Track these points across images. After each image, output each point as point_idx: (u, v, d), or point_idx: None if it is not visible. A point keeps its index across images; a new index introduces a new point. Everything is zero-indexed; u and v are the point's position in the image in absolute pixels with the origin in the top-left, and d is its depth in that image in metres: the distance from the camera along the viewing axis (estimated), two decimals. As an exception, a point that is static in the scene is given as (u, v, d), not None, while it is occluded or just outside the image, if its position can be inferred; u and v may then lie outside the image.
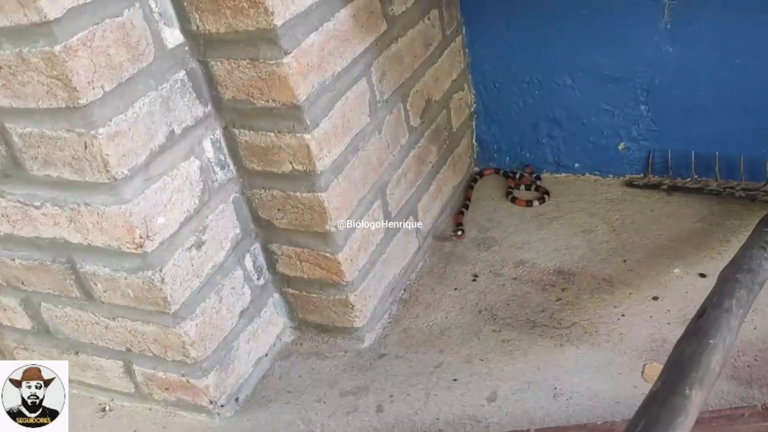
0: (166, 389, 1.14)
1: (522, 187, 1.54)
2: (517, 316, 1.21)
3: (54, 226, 0.97)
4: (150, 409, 1.18)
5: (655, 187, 1.45)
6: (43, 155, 0.90)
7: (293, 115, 0.99)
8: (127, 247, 0.95)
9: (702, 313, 0.83)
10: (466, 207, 1.50)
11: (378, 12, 1.14)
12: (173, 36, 0.95)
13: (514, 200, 1.51)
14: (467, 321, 1.23)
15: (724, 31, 1.28)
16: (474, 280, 1.32)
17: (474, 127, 1.59)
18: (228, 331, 1.12)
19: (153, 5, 0.91)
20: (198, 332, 1.05)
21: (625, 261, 1.29)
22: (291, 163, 1.04)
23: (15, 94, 0.85)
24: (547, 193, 1.50)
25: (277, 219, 1.12)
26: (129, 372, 1.15)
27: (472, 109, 1.56)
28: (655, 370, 1.04)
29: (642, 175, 1.48)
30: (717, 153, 1.39)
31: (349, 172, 1.11)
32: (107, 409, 1.21)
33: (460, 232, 1.41)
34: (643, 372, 1.06)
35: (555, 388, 1.06)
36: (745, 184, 1.37)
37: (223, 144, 1.06)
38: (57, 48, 0.79)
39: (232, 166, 1.08)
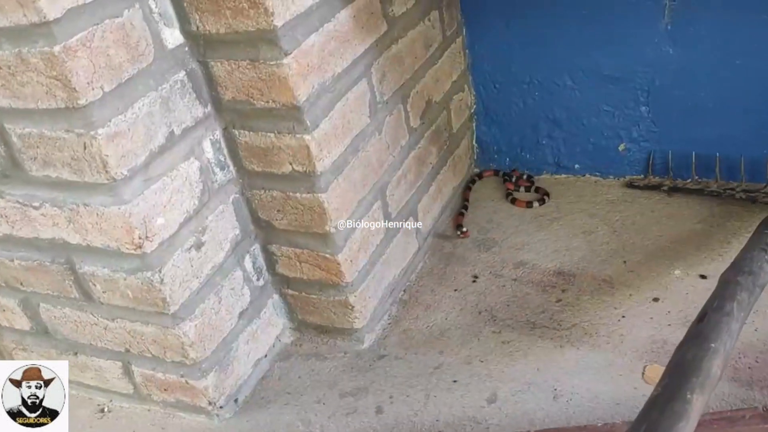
0: (165, 390, 1.13)
1: (522, 188, 1.54)
2: (517, 317, 1.21)
3: (53, 226, 0.97)
4: (149, 410, 1.18)
5: (655, 188, 1.45)
6: (42, 156, 0.90)
7: (293, 116, 0.99)
8: (127, 248, 0.94)
9: (703, 316, 0.83)
10: (465, 208, 1.50)
11: (378, 13, 1.14)
12: (173, 36, 0.95)
13: (514, 201, 1.50)
14: (467, 322, 1.22)
15: (725, 31, 1.27)
16: (474, 281, 1.31)
17: (474, 128, 1.59)
18: (227, 332, 1.12)
19: (153, 6, 0.91)
20: (197, 333, 1.05)
21: (625, 262, 1.29)
22: (291, 163, 1.04)
23: (14, 95, 0.85)
24: (547, 194, 1.50)
25: (276, 220, 1.12)
26: (128, 373, 1.15)
27: (472, 110, 1.56)
28: (655, 371, 1.04)
29: (642, 176, 1.48)
30: (717, 154, 1.39)
31: (349, 173, 1.11)
32: (106, 410, 1.21)
33: (465, 229, 1.41)
34: (643, 373, 1.06)
35: (555, 390, 1.06)
36: (746, 186, 1.37)
37: (223, 145, 1.06)
38: (56, 48, 0.79)
39: (231, 167, 1.08)
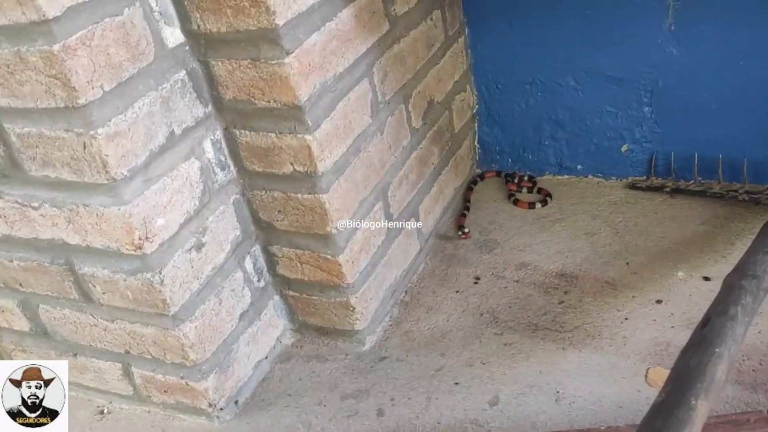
0: (165, 392, 1.13)
1: (524, 189, 1.53)
2: (519, 319, 1.20)
3: (52, 227, 0.97)
4: (149, 412, 1.17)
5: (657, 189, 1.44)
6: (41, 155, 0.89)
7: (294, 116, 0.98)
8: (126, 249, 0.94)
9: (706, 321, 0.82)
10: (467, 209, 1.50)
11: (380, 12, 1.13)
12: (174, 35, 0.94)
13: (516, 202, 1.50)
14: (469, 324, 1.22)
15: (729, 32, 1.27)
16: (476, 283, 1.31)
17: (476, 128, 1.58)
18: (228, 333, 1.11)
19: (153, 4, 0.90)
20: (197, 334, 1.04)
21: (628, 264, 1.28)
22: (292, 164, 1.03)
23: (13, 94, 0.84)
24: (550, 195, 1.49)
25: (277, 220, 1.11)
26: (128, 374, 1.14)
27: (474, 111, 1.56)
28: (658, 374, 1.04)
29: (645, 177, 1.48)
30: (720, 155, 1.38)
31: (351, 173, 1.10)
32: (105, 411, 1.20)
33: (467, 230, 1.41)
34: (646, 376, 1.05)
35: (557, 392, 1.05)
36: (749, 187, 1.37)
37: (224, 145, 1.05)
38: (56, 47, 0.78)
39: (232, 167, 1.07)
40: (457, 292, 1.30)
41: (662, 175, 1.46)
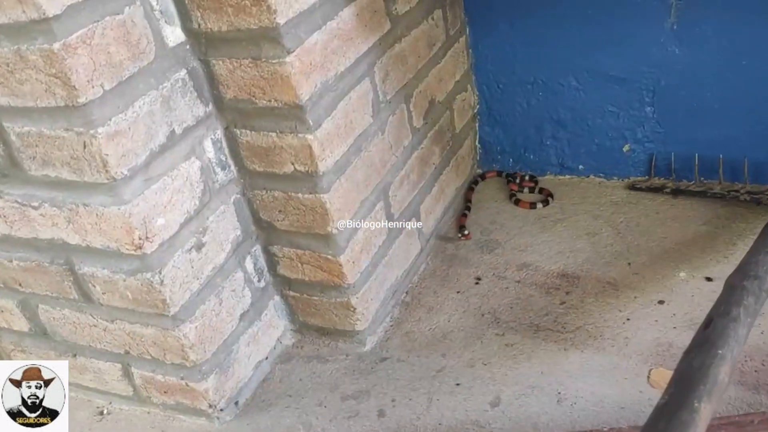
0: (165, 392, 1.12)
1: (525, 189, 1.53)
2: (520, 319, 1.20)
3: (52, 226, 0.96)
4: (148, 413, 1.17)
5: (659, 189, 1.44)
6: (41, 155, 0.89)
7: (295, 115, 0.98)
8: (126, 249, 0.94)
9: (709, 322, 0.81)
10: (468, 209, 1.49)
11: (382, 11, 1.13)
12: (174, 34, 0.94)
13: (517, 202, 1.49)
14: (470, 324, 1.21)
15: (731, 32, 1.26)
16: (477, 283, 1.30)
17: (477, 128, 1.58)
18: (228, 333, 1.11)
19: (154, 3, 0.90)
20: (197, 335, 1.04)
21: (630, 264, 1.28)
22: (293, 163, 1.03)
23: (13, 93, 0.84)
24: (551, 195, 1.49)
25: (278, 220, 1.11)
26: (127, 375, 1.14)
27: (475, 111, 1.55)
28: (661, 374, 1.04)
29: (646, 177, 1.47)
30: (720, 156, 1.38)
31: (352, 173, 1.10)
32: (105, 412, 1.20)
33: (467, 232, 1.40)
34: (648, 377, 1.05)
35: (559, 393, 1.05)
36: (750, 187, 1.36)
37: (224, 144, 1.05)
38: (56, 45, 0.78)
39: (233, 167, 1.07)
40: (458, 292, 1.29)
41: (664, 175, 1.45)
